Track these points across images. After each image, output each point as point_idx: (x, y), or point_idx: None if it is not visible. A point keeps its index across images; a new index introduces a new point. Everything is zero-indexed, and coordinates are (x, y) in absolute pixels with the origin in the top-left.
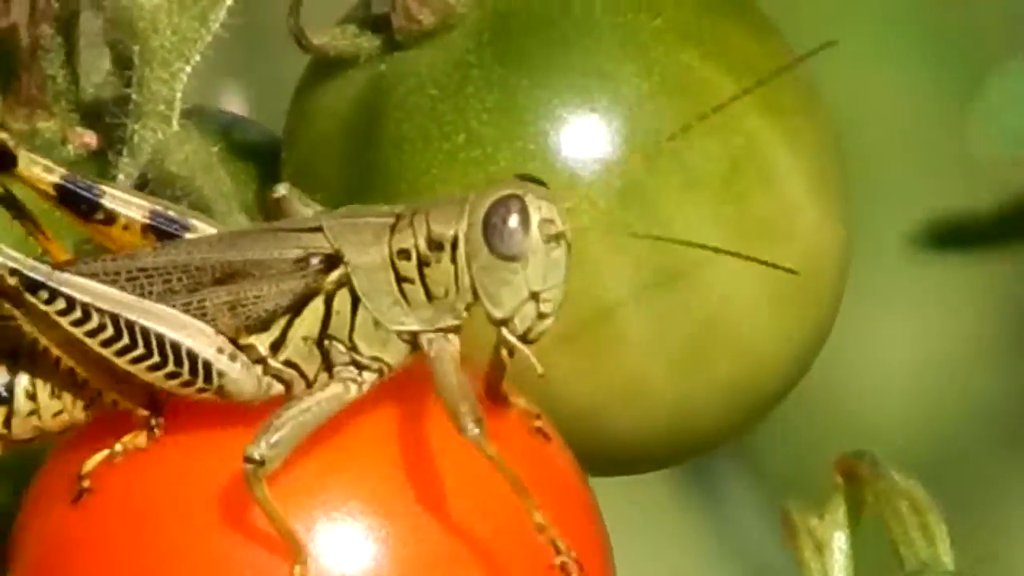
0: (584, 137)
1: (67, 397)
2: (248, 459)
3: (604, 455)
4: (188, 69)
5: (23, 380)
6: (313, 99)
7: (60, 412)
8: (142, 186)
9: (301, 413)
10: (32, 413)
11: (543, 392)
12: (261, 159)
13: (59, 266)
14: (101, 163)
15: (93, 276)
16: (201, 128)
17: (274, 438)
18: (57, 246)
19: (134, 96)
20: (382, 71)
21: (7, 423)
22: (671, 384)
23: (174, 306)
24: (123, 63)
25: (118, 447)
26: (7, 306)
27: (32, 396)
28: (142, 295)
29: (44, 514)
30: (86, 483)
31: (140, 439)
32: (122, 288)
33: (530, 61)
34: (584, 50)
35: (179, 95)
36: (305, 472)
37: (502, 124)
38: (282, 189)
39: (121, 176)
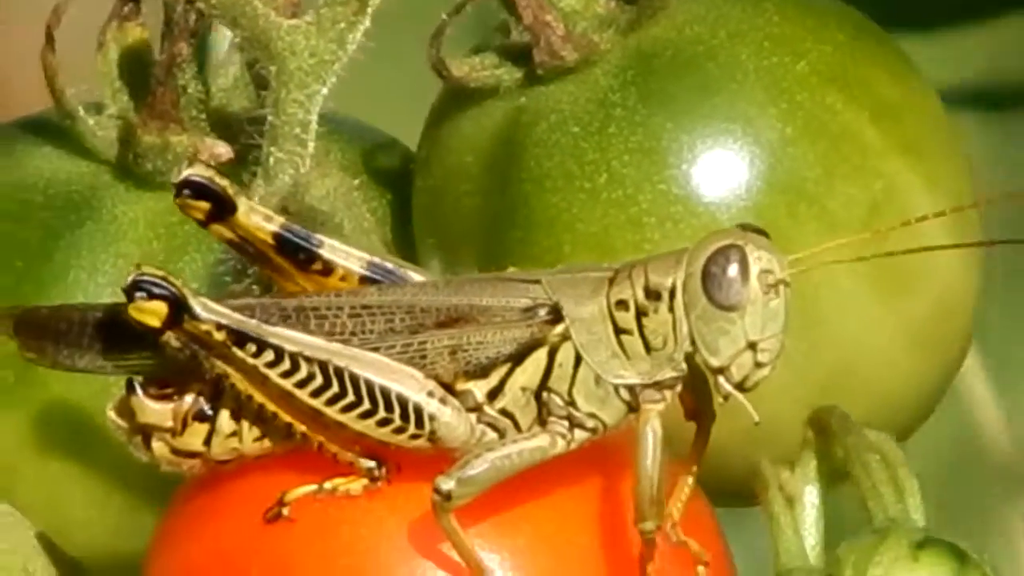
0: (726, 181)
1: (272, 425)
2: (437, 490)
3: (728, 489)
4: (324, 91)
5: (230, 400)
6: (449, 127)
7: (262, 438)
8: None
9: (501, 459)
10: (233, 435)
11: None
12: (400, 184)
13: (282, 299)
14: (231, 175)
15: (315, 309)
16: (342, 149)
17: (468, 475)
18: (293, 287)
19: (270, 118)
20: (522, 104)
21: (207, 441)
22: (803, 428)
23: (394, 346)
24: (259, 82)
25: (328, 486)
26: (219, 363)
27: (236, 417)
28: (363, 332)
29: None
30: (286, 510)
31: (355, 486)
32: (343, 324)
33: (674, 104)
34: (729, 94)
35: (315, 117)
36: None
37: (644, 165)
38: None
39: (255, 197)
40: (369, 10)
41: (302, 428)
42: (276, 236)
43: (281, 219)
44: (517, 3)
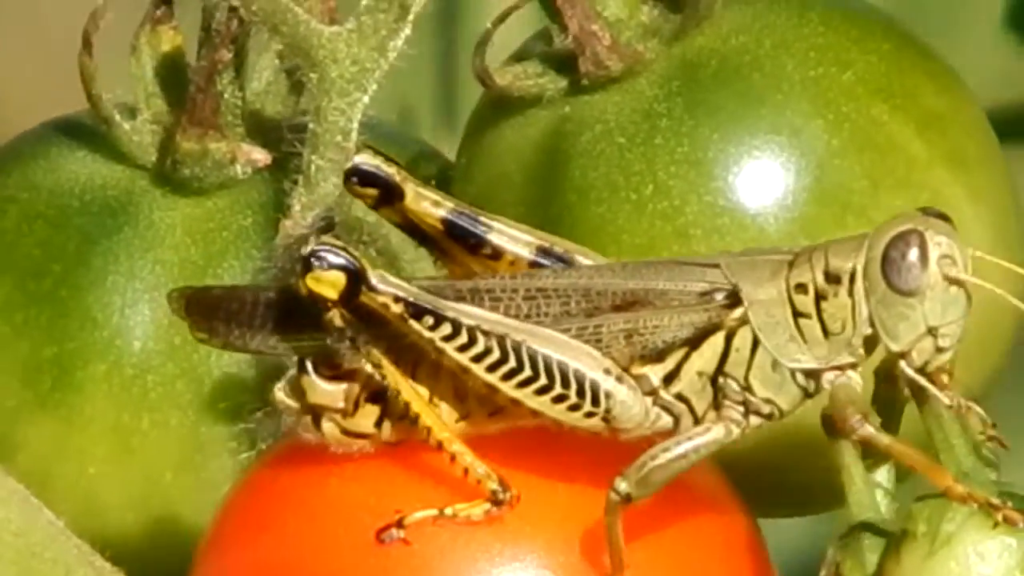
0: (772, 192)
1: (439, 411)
2: (615, 491)
3: (783, 500)
4: (366, 99)
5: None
6: (491, 135)
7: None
8: (328, 228)
9: (677, 458)
10: (404, 417)
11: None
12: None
13: (456, 281)
14: (269, 182)
15: (489, 291)
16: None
17: (645, 476)
18: (463, 270)
19: (311, 125)
20: (566, 113)
21: (379, 423)
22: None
23: (569, 329)
24: (294, 87)
25: (449, 511)
26: (374, 352)
27: (407, 401)
28: (538, 315)
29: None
30: (402, 533)
31: (477, 511)
32: (518, 306)
33: (720, 114)
34: (775, 104)
35: (356, 125)
36: None
37: (690, 176)
38: None
39: (296, 205)
40: (410, 17)
41: (440, 437)
42: (444, 221)
43: (450, 204)
44: (563, 12)
